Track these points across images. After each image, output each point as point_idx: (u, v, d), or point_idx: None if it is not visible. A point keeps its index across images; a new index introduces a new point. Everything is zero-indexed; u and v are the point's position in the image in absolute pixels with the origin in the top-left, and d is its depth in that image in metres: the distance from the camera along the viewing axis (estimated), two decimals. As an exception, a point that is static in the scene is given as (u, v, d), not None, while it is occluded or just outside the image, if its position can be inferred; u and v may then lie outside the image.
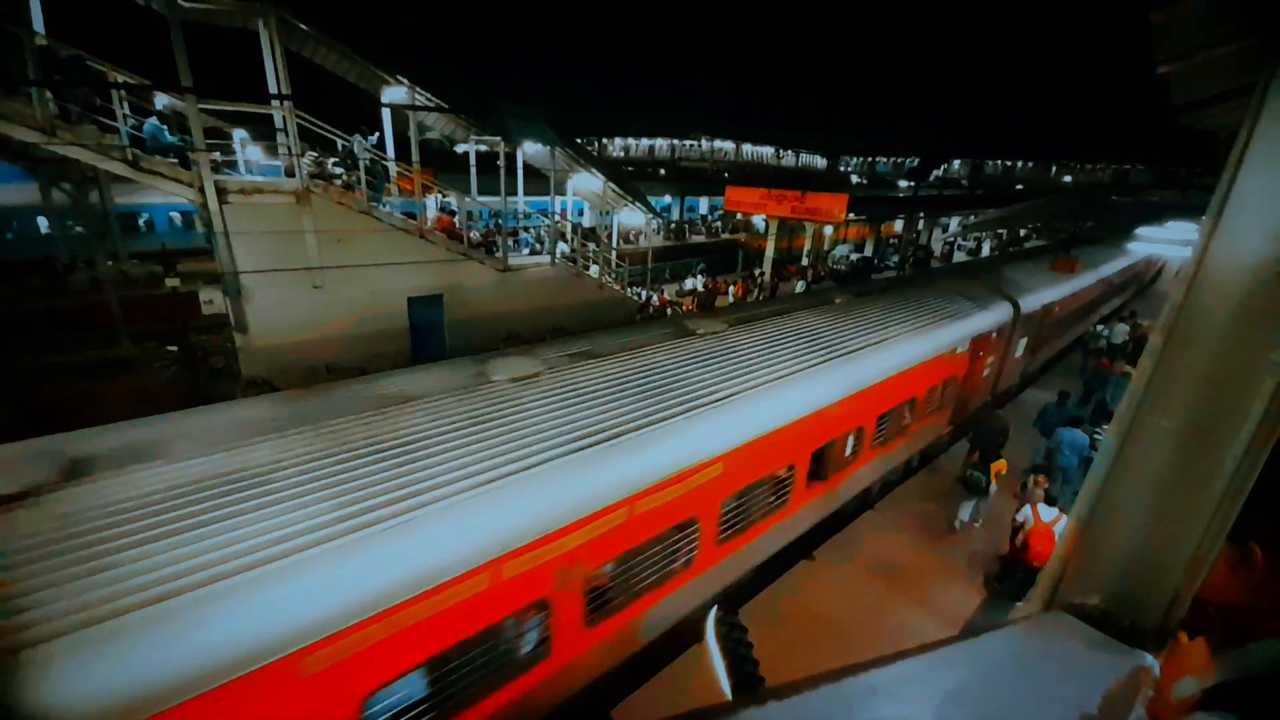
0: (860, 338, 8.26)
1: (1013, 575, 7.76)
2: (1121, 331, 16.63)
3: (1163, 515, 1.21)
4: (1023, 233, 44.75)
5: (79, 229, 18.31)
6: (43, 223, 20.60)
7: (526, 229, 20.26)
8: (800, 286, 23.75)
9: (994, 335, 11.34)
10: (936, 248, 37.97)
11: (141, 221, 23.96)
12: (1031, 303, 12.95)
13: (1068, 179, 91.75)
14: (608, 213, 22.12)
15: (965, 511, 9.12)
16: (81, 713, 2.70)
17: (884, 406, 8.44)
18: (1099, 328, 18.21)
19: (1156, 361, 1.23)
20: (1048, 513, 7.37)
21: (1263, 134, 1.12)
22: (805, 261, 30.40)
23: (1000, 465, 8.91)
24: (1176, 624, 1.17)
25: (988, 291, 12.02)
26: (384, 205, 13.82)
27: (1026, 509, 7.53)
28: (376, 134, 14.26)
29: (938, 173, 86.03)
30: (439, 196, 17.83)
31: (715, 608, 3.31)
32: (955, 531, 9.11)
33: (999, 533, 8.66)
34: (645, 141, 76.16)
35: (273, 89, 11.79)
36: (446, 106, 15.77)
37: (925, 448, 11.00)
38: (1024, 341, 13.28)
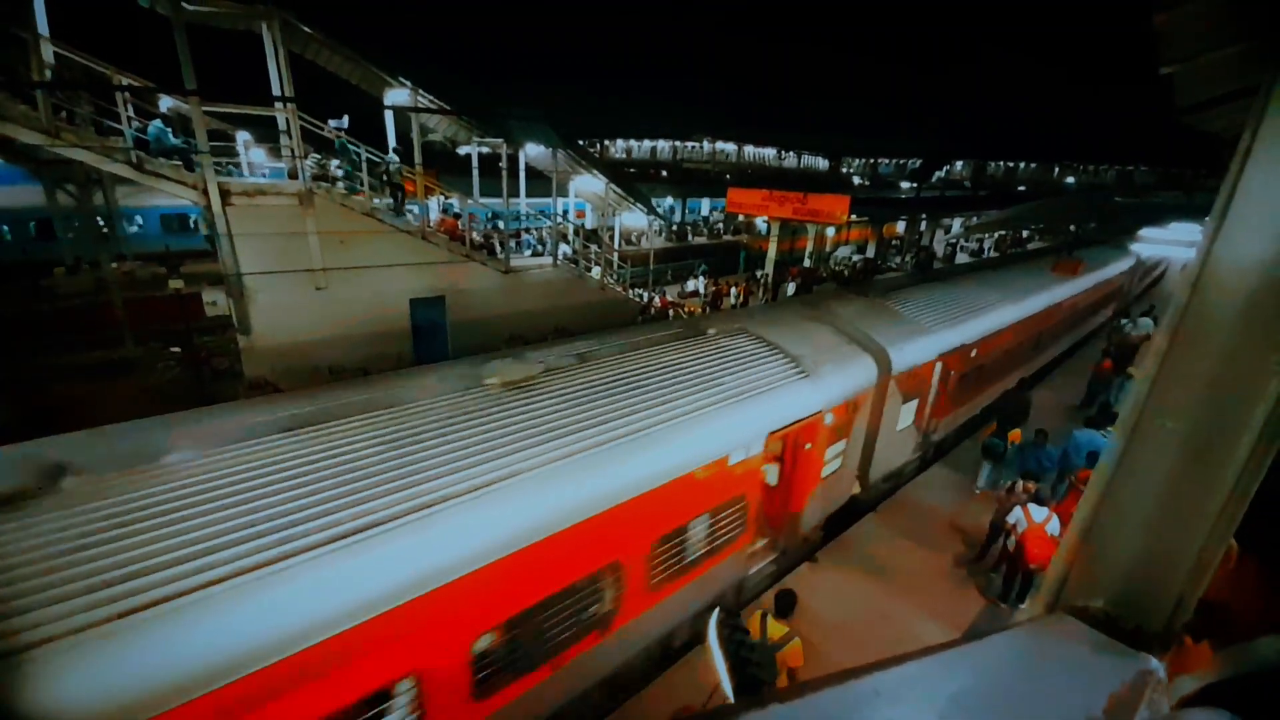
0: (463, 473, 4.39)
1: (1010, 580, 7.72)
2: (1146, 325, 16.74)
3: (1167, 517, 1.21)
4: (1024, 234, 44.68)
5: (88, 227, 18.40)
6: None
7: (528, 230, 20.32)
8: (791, 289, 23.80)
9: (831, 415, 7.24)
10: (939, 249, 37.94)
11: (192, 222, 24.47)
12: (913, 354, 8.85)
13: (1071, 180, 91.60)
14: (611, 214, 22.16)
15: (982, 478, 10.32)
16: None
17: (532, 595, 4.62)
18: (1123, 321, 18.80)
19: (1161, 362, 1.23)
20: (1038, 513, 7.33)
21: (1266, 135, 1.12)
22: (807, 263, 30.41)
23: (1015, 435, 10.10)
24: (1181, 627, 1.17)
25: (835, 343, 7.99)
26: (409, 213, 13.77)
27: (1017, 510, 7.43)
28: (346, 117, 13.83)
29: (940, 174, 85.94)
30: (441, 198, 17.88)
31: (718, 609, 3.30)
32: (975, 495, 10.15)
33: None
34: (647, 143, 76.27)
35: (276, 91, 11.83)
36: (449, 108, 15.82)
37: (708, 605, 6.51)
38: (909, 407, 9.35)
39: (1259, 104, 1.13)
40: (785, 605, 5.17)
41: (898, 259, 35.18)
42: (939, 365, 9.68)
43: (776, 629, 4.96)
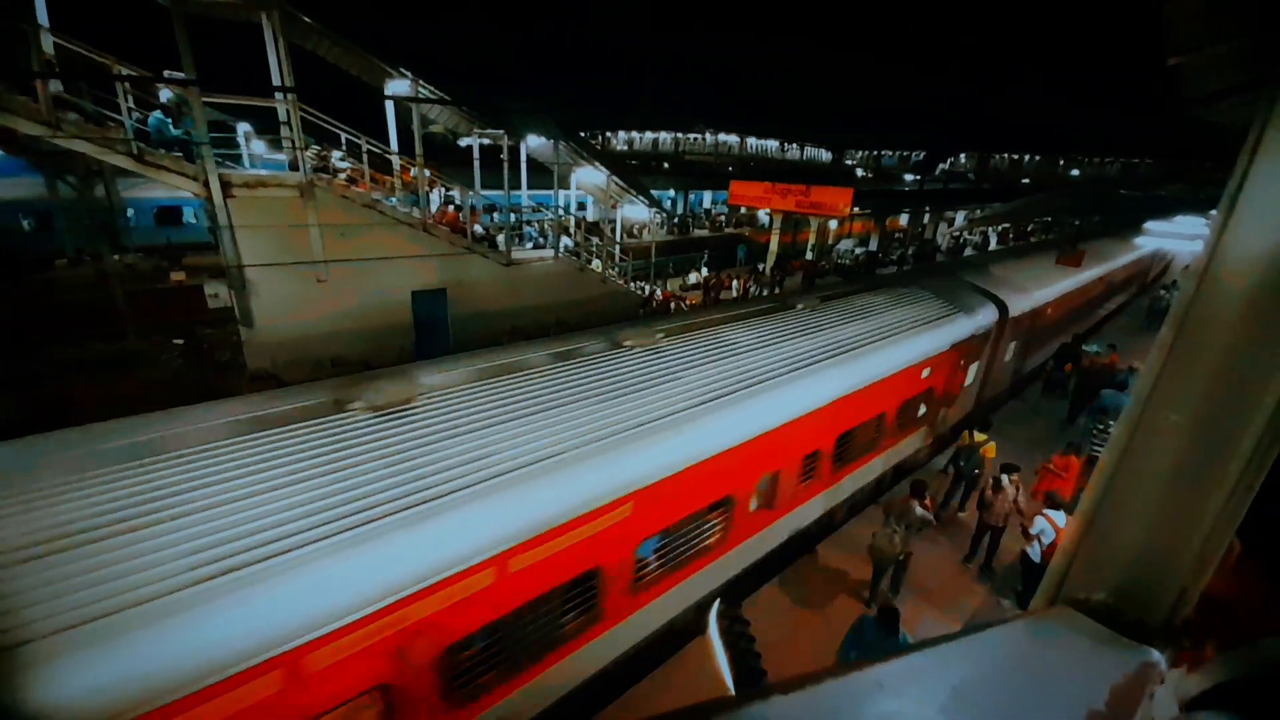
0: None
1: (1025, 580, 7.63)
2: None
3: (1171, 510, 1.20)
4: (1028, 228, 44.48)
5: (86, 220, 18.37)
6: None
7: (529, 223, 20.24)
8: (744, 289, 23.86)
9: None
10: (941, 242, 37.80)
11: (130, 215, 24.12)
12: None
13: (1075, 173, 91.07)
14: (612, 206, 22.06)
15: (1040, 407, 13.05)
16: None
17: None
18: (1162, 292, 20.29)
19: (1166, 355, 1.22)
20: (1060, 518, 7.08)
21: (1276, 126, 1.10)
22: (809, 256, 30.31)
23: (1068, 367, 13.00)
24: (1183, 621, 1.17)
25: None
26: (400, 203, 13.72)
27: (1041, 521, 7.08)
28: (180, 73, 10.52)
29: (944, 166, 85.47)
30: (442, 190, 17.81)
31: (718, 600, 3.32)
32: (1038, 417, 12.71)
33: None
34: (649, 135, 75.98)
35: (276, 82, 11.77)
36: (450, 99, 15.73)
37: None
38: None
39: (1268, 95, 1.12)
40: (982, 422, 9.29)
41: (899, 252, 35.06)
42: None
43: (980, 437, 8.90)
